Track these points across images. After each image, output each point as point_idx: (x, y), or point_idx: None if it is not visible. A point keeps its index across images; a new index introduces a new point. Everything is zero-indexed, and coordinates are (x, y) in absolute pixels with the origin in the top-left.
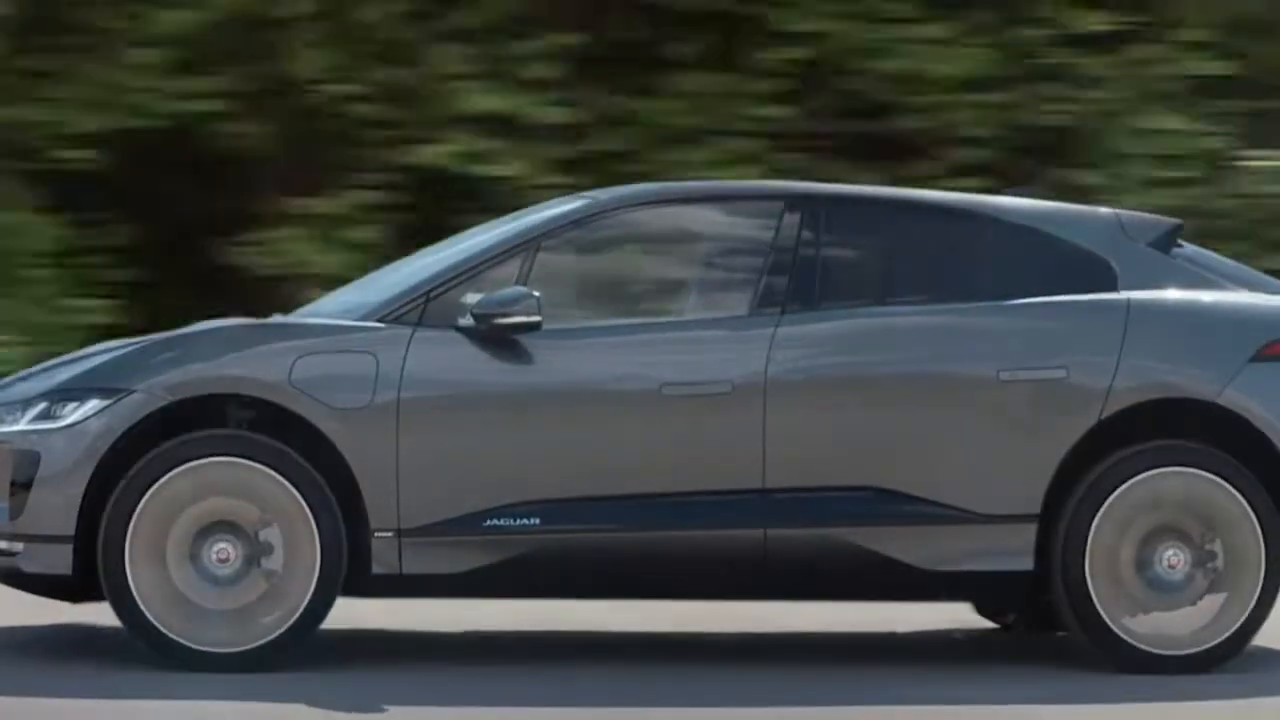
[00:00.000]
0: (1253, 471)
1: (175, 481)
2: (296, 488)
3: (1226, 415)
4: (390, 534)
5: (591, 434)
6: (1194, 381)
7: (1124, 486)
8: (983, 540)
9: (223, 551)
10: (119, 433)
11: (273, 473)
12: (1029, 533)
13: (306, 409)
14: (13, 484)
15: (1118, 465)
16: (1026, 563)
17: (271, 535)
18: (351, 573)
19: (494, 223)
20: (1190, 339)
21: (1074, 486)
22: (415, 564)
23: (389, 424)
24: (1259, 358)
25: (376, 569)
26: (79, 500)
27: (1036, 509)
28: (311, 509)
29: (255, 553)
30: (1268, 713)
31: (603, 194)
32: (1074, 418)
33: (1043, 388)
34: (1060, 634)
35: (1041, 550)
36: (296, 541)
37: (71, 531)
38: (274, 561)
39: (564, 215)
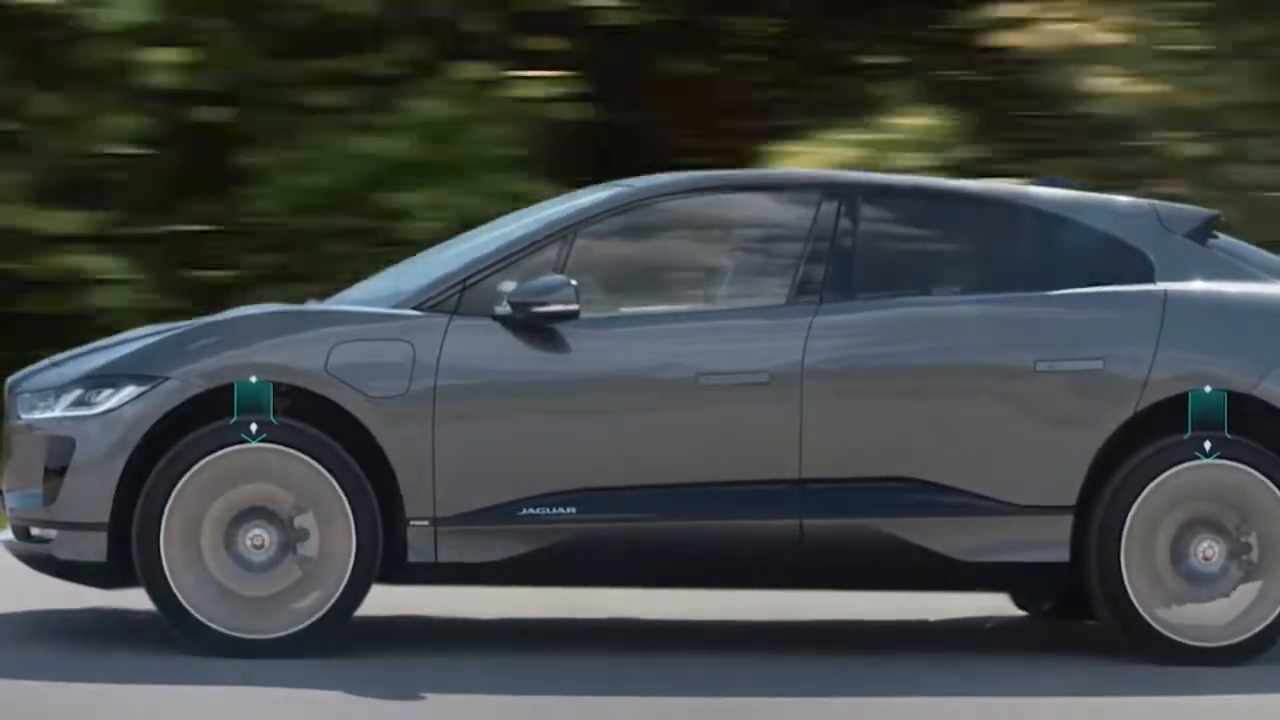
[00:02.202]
0: None
1: (210, 468)
2: (332, 475)
3: (1263, 407)
4: (426, 522)
5: (628, 423)
6: (1231, 373)
7: (1160, 478)
8: (1018, 531)
9: (258, 538)
10: (153, 419)
11: (308, 459)
12: (1065, 524)
13: (342, 396)
14: (46, 471)
15: (1154, 457)
16: (1062, 554)
17: (306, 522)
18: (387, 561)
19: (531, 210)
20: (1227, 330)
21: (1110, 478)
22: (451, 552)
23: (425, 412)
24: None
25: (412, 557)
26: (113, 487)
27: (1072, 500)
28: (347, 496)
29: (290, 539)
30: None
31: (640, 182)
32: (1111, 409)
33: (1079, 379)
34: (1093, 624)
35: (1077, 542)
36: (332, 528)
37: (106, 519)
38: (309, 548)
39: (601, 203)
